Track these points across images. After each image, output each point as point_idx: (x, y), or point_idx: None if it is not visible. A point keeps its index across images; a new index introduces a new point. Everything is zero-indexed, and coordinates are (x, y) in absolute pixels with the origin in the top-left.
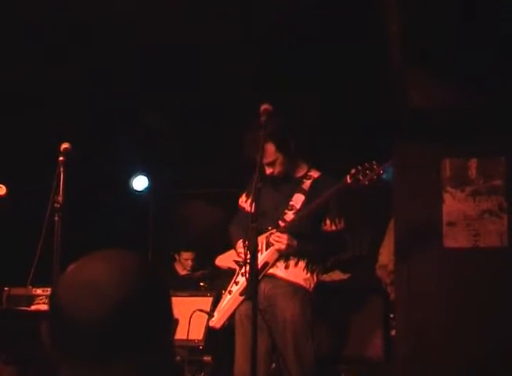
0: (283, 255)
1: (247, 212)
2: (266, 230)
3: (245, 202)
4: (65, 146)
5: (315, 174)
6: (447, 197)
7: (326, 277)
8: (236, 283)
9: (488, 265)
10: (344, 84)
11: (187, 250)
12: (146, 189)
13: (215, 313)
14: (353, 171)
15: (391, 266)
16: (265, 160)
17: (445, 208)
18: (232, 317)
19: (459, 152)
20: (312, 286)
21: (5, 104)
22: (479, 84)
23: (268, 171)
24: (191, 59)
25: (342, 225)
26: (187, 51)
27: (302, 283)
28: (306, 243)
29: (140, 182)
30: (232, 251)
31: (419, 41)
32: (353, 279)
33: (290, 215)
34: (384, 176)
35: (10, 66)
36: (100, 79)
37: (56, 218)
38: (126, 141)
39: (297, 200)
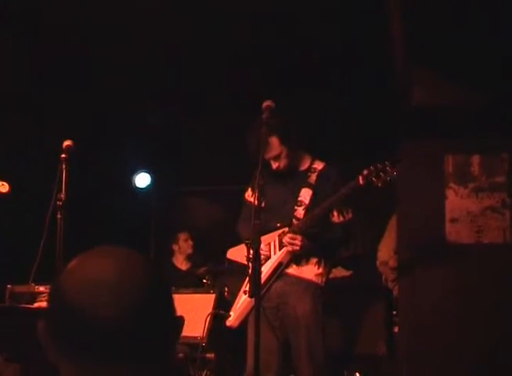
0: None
1: (254, 206)
2: (275, 227)
3: (251, 196)
4: (67, 143)
5: (319, 165)
6: (450, 193)
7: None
8: None
9: (491, 261)
10: (348, 83)
11: (181, 231)
12: (148, 186)
13: (231, 313)
14: (365, 172)
15: (392, 263)
16: (270, 155)
17: (448, 204)
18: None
19: (461, 148)
20: (324, 280)
21: (7, 102)
22: (482, 82)
23: (274, 165)
24: (192, 57)
25: (350, 215)
26: (188, 48)
27: (314, 279)
28: (318, 244)
29: (142, 180)
30: (244, 246)
31: (422, 41)
32: (356, 276)
33: (300, 211)
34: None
35: (12, 64)
36: (102, 76)
37: (59, 216)
38: (128, 138)
39: (305, 195)
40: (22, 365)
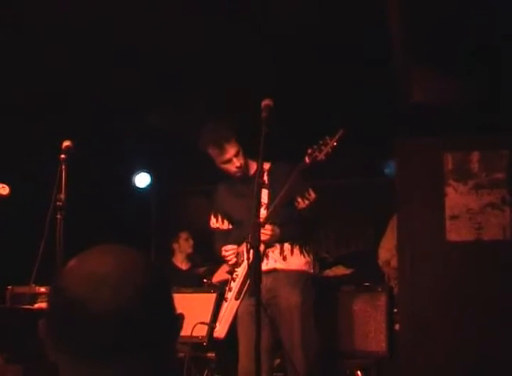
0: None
1: (223, 230)
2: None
3: (217, 222)
4: (67, 143)
5: (266, 166)
6: (449, 190)
7: (329, 272)
8: (230, 289)
9: (491, 258)
10: (347, 80)
11: (182, 230)
12: (148, 186)
13: (217, 324)
14: (309, 150)
15: (394, 262)
16: (232, 154)
17: (448, 202)
18: (234, 321)
19: (461, 145)
20: (313, 268)
21: (7, 102)
22: (480, 79)
23: (238, 162)
24: (191, 57)
25: (313, 195)
26: (187, 48)
27: (304, 267)
28: (288, 228)
29: (142, 180)
30: (223, 266)
31: (421, 39)
32: (356, 274)
33: (262, 211)
34: (386, 170)
35: (10, 64)
36: (102, 76)
37: (59, 216)
38: (128, 138)
39: (263, 195)
40: (23, 366)
